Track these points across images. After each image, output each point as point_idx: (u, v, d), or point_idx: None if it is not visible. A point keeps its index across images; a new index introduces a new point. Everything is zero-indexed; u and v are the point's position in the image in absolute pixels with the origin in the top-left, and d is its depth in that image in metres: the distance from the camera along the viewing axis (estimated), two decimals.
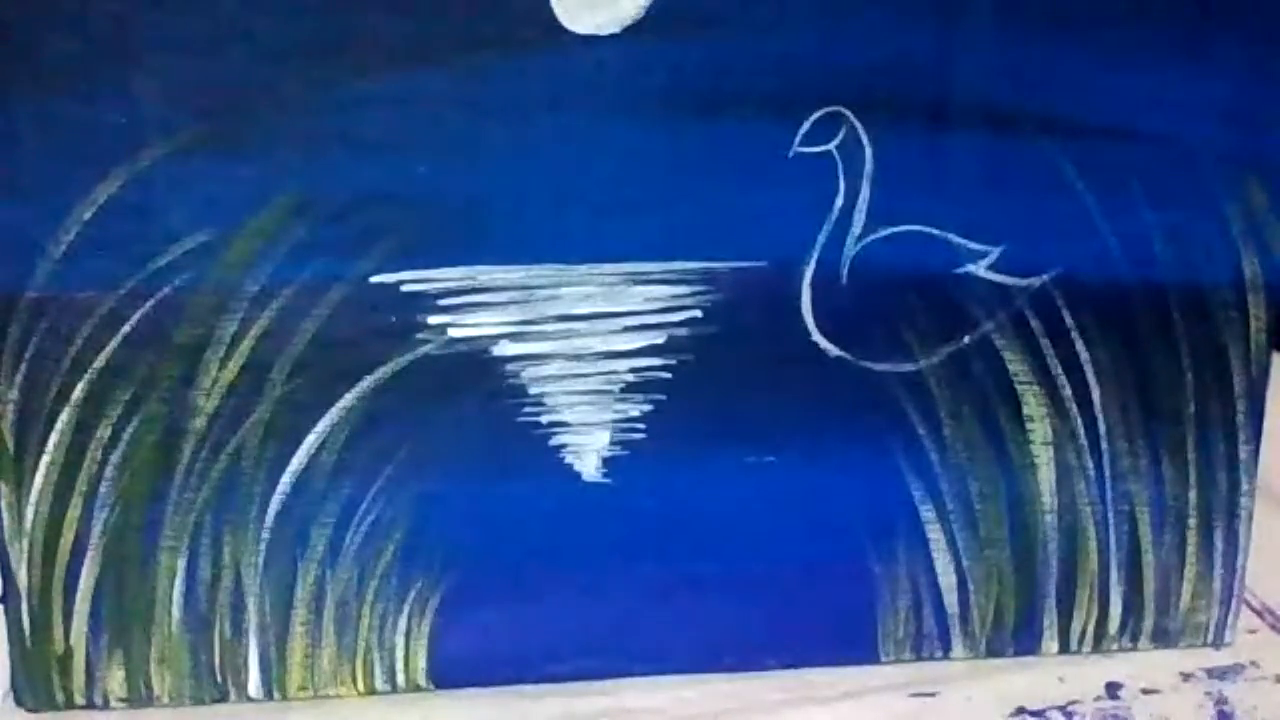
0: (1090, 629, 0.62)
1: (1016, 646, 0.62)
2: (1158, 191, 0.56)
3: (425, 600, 0.58)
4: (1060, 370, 0.58)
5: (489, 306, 0.55)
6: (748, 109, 0.53)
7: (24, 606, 0.56)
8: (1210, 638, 0.63)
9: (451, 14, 0.51)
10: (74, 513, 0.55)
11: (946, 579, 0.60)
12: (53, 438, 0.54)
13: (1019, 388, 0.58)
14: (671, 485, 0.57)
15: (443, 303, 0.54)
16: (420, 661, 0.59)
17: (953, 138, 0.54)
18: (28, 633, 0.57)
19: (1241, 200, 0.56)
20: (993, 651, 0.61)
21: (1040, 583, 0.61)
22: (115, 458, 0.55)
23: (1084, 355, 0.58)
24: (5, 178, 0.51)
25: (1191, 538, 0.61)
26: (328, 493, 0.56)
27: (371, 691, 0.59)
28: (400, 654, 0.59)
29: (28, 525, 0.55)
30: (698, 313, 0.55)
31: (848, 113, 0.53)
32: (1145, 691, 0.60)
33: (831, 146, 0.54)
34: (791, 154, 0.54)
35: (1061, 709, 0.59)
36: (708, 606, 0.59)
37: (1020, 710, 0.59)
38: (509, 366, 0.55)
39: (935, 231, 0.55)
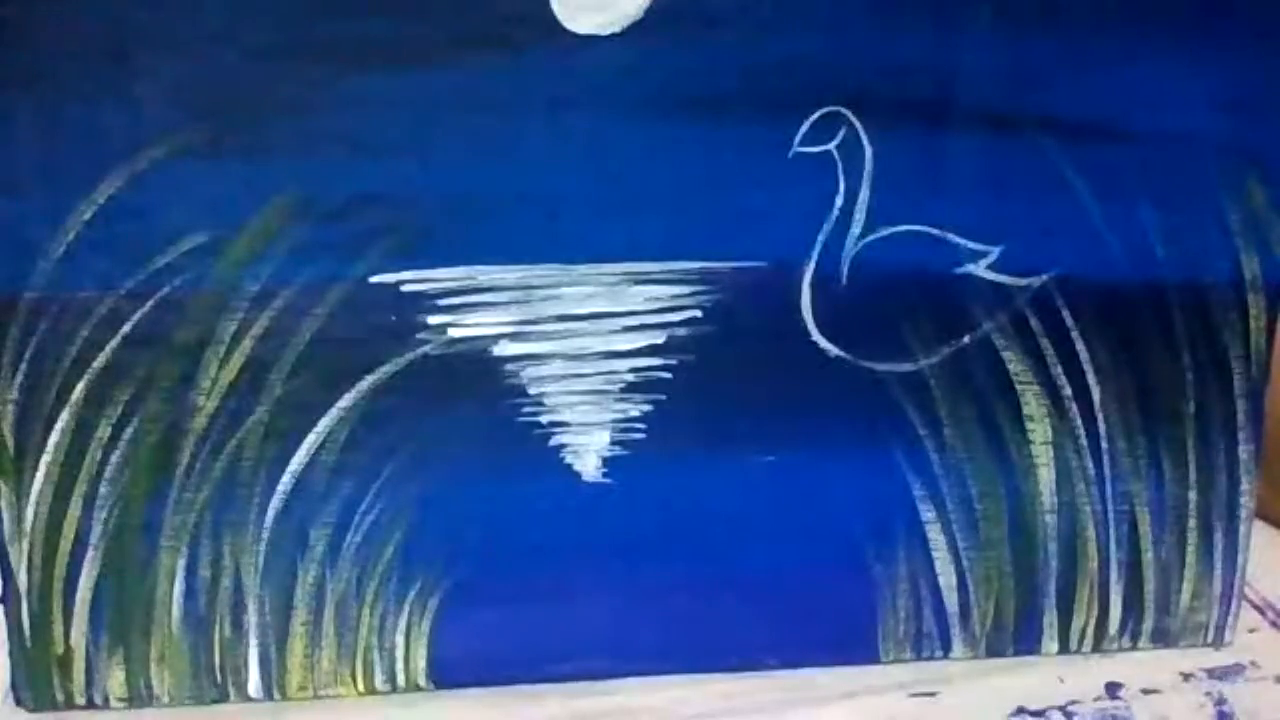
0: (1090, 629, 0.62)
1: (1016, 646, 0.62)
2: (1158, 191, 0.56)
3: (425, 600, 0.58)
4: (1060, 370, 0.58)
5: (489, 306, 0.55)
6: (748, 109, 0.53)
7: (24, 606, 0.56)
8: (1210, 638, 0.63)
9: (450, 14, 0.51)
10: (74, 513, 0.55)
11: (946, 579, 0.60)
12: (53, 438, 0.54)
13: (1019, 388, 0.58)
14: (671, 485, 0.57)
15: (443, 303, 0.54)
16: (420, 661, 0.59)
17: (953, 138, 0.54)
18: (28, 633, 0.57)
19: (1241, 200, 0.56)
20: (993, 651, 0.62)
21: (1040, 583, 0.61)
22: (115, 458, 0.55)
23: (1084, 355, 0.58)
24: (5, 178, 0.51)
25: (1191, 538, 0.61)
26: (328, 493, 0.56)
27: (371, 691, 0.59)
28: (400, 654, 0.59)
29: (28, 525, 0.55)
30: (698, 313, 0.55)
31: (848, 113, 0.53)
32: (1145, 691, 0.60)
33: (831, 146, 0.54)
34: (791, 154, 0.54)
35: (1061, 709, 0.59)
36: (708, 606, 0.59)
37: (1020, 710, 0.59)
38: (509, 366, 0.55)
39: (935, 231, 0.55)
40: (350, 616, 0.58)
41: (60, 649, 0.57)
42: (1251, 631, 0.64)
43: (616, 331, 0.56)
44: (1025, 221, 0.56)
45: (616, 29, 0.52)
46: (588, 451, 0.57)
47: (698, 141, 0.53)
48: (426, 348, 0.55)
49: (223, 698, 0.58)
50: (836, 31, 0.52)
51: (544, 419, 0.56)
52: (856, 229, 0.55)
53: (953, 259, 0.56)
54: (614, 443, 0.57)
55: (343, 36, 0.51)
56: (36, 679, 0.57)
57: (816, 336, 0.56)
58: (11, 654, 0.57)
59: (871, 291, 0.56)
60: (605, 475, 0.57)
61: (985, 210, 0.55)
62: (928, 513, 0.59)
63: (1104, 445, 0.59)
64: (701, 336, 0.56)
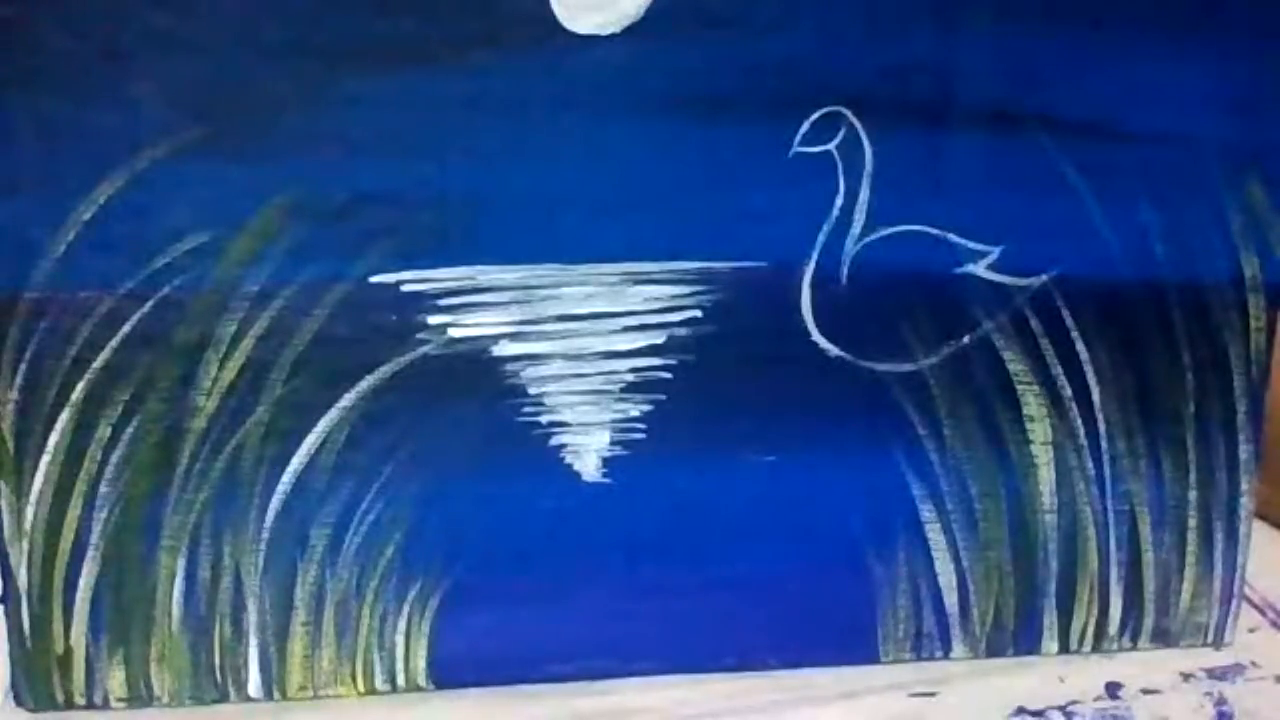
0: (1090, 629, 0.62)
1: (1016, 646, 0.62)
2: (1158, 191, 0.56)
3: (425, 600, 0.58)
4: (1060, 370, 0.58)
5: (489, 306, 0.55)
6: (748, 109, 0.53)
7: (24, 606, 0.56)
8: (1210, 638, 0.63)
9: (451, 14, 0.51)
10: (74, 513, 0.55)
11: (946, 579, 0.60)
12: (53, 438, 0.54)
13: (1019, 388, 0.58)
14: (671, 485, 0.57)
15: (443, 303, 0.54)
16: (420, 661, 0.59)
17: (953, 138, 0.54)
18: (28, 633, 0.57)
19: (1241, 199, 0.56)
20: (993, 651, 0.62)
21: (1040, 583, 0.61)
22: (115, 458, 0.55)
23: (1084, 355, 0.58)
24: (5, 178, 0.51)
25: (1191, 538, 0.61)
26: (328, 493, 0.56)
27: (371, 691, 0.59)
28: (400, 654, 0.59)
29: (28, 525, 0.55)
30: (698, 313, 0.55)
31: (848, 113, 0.53)
32: (1145, 691, 0.60)
33: (831, 146, 0.54)
34: (791, 154, 0.54)
35: (1061, 709, 0.59)
36: (708, 606, 0.59)
37: (1020, 710, 0.59)
38: (509, 366, 0.55)
39: (935, 231, 0.55)
40: (350, 616, 0.58)
41: (60, 649, 0.57)
42: (1251, 631, 0.64)
43: (616, 331, 0.56)
44: (1025, 221, 0.56)
45: (616, 29, 0.52)
46: (588, 451, 0.57)
47: (698, 141, 0.53)
48: (426, 348, 0.55)
49: (223, 698, 0.58)
50: (836, 31, 0.52)
51: (544, 419, 0.56)
52: (856, 229, 0.55)
53: (953, 259, 0.56)
54: (614, 443, 0.57)
55: (343, 37, 0.51)
56: (36, 679, 0.57)
57: (816, 336, 0.56)
58: (11, 654, 0.57)
59: (871, 291, 0.56)
60: (605, 475, 0.57)
61: (985, 210, 0.55)
62: (928, 513, 0.59)
63: (1104, 445, 0.59)
64: (701, 336, 0.56)
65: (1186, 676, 0.61)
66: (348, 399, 0.55)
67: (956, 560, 0.60)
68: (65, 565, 0.56)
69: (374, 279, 0.54)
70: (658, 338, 0.56)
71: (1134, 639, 0.62)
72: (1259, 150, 0.56)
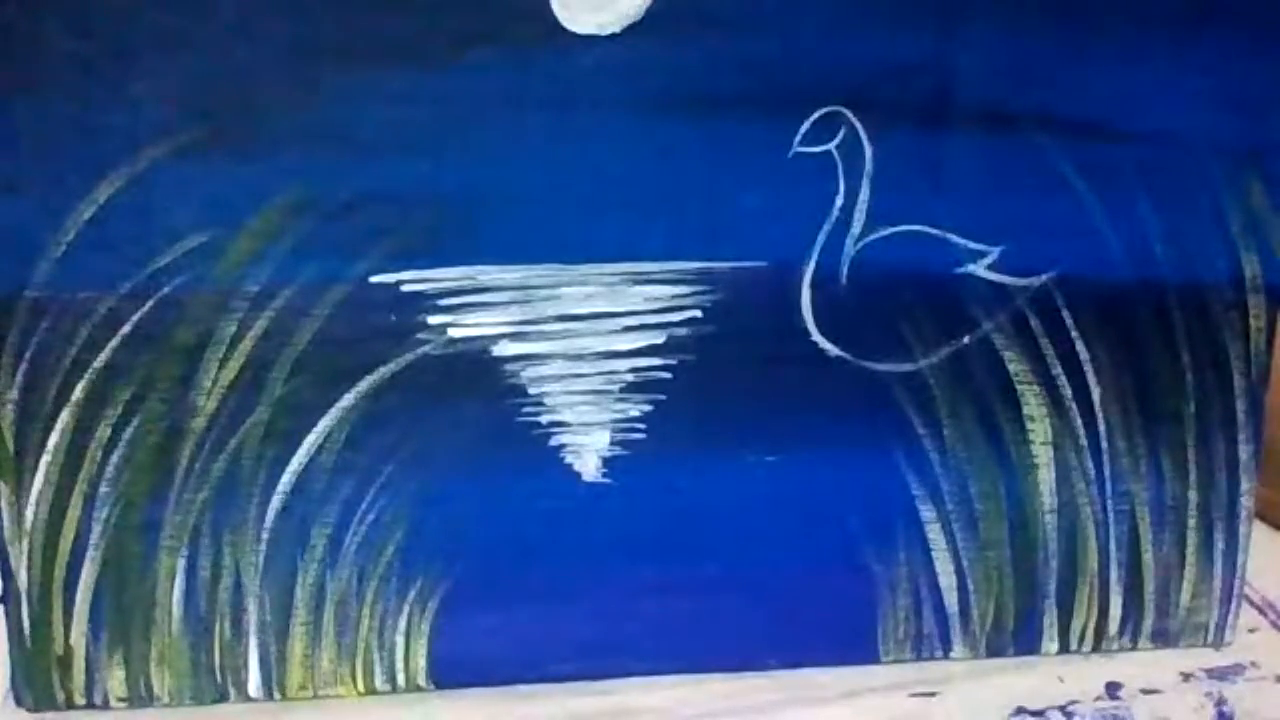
0: (1090, 629, 0.62)
1: (1016, 646, 0.62)
2: (1158, 191, 0.56)
3: (425, 600, 0.58)
4: (1060, 370, 0.58)
5: (489, 306, 0.55)
6: (748, 109, 0.53)
7: (24, 606, 0.56)
8: (1210, 638, 0.63)
9: (451, 13, 0.51)
10: (74, 513, 0.55)
11: (946, 579, 0.60)
12: (53, 438, 0.54)
13: (1019, 388, 0.58)
14: (671, 485, 0.57)
15: (443, 303, 0.54)
16: (420, 661, 0.59)
17: (953, 138, 0.54)
18: (28, 633, 0.57)
19: (1241, 199, 0.56)
20: (993, 651, 0.62)
21: (1040, 583, 0.61)
22: (115, 458, 0.55)
23: (1084, 355, 0.58)
24: (5, 178, 0.51)
25: (1191, 538, 0.61)
26: (328, 493, 0.56)
27: (371, 691, 0.59)
28: (400, 654, 0.59)
29: (28, 525, 0.55)
30: (698, 313, 0.55)
31: (848, 113, 0.53)
32: (1145, 691, 0.60)
33: (831, 146, 0.54)
34: (791, 154, 0.54)
35: (1061, 709, 0.59)
36: (708, 606, 0.59)
37: (1020, 710, 0.59)
38: (509, 366, 0.55)
39: (935, 231, 0.55)
40: (350, 616, 0.58)
41: (60, 649, 0.57)
42: (1251, 631, 0.64)
43: (616, 331, 0.56)
44: (1025, 221, 0.56)
45: (616, 29, 0.52)
46: (588, 451, 0.57)
47: (698, 141, 0.53)
48: (426, 348, 0.55)
49: (223, 698, 0.58)
50: (836, 31, 0.52)
51: (544, 419, 0.56)
52: (856, 229, 0.55)
53: (953, 259, 0.56)
54: (614, 443, 0.57)
55: (343, 36, 0.51)
56: (36, 679, 0.57)
57: (816, 336, 0.56)
58: (11, 654, 0.57)
59: (871, 291, 0.56)
60: (605, 475, 0.57)
61: (985, 210, 0.55)
62: (928, 513, 0.59)
63: (1104, 445, 0.59)
64: (701, 336, 0.56)
65: (1186, 676, 0.61)
66: (348, 399, 0.55)
67: (956, 560, 0.60)
68: (65, 565, 0.56)
69: (374, 279, 0.54)
70: (658, 338, 0.56)
71: (1134, 639, 0.62)
72: (1259, 150, 0.56)
